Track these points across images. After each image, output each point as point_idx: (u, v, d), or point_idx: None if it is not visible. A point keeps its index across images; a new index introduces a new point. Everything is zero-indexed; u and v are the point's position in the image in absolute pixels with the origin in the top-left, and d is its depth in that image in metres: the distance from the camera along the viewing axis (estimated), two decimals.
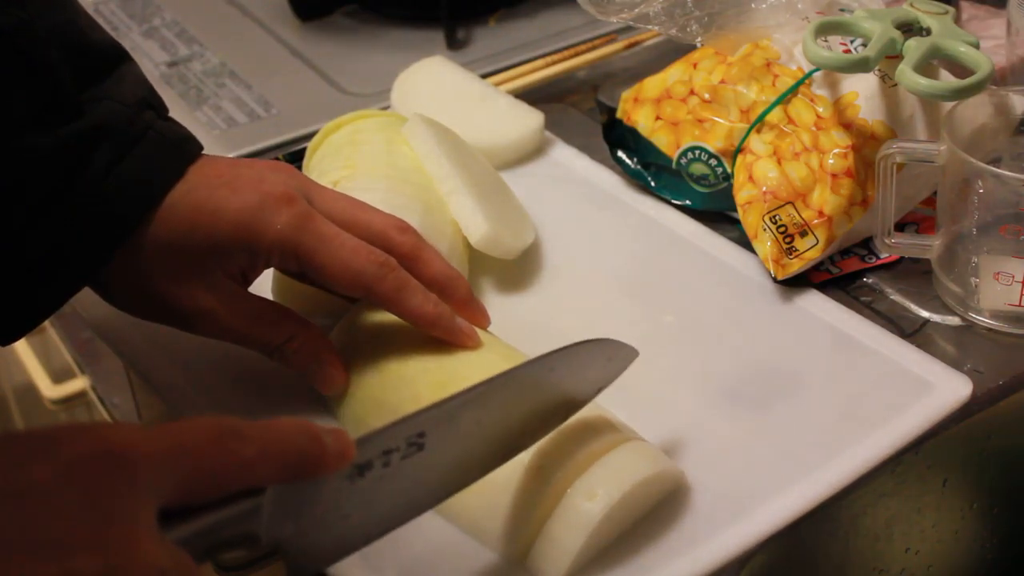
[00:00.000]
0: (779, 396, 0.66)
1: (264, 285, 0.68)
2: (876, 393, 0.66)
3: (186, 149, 0.63)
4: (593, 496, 0.56)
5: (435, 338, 0.64)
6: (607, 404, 0.63)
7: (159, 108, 0.64)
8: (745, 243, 0.76)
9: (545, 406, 0.58)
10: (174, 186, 0.61)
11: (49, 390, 0.94)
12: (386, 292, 0.62)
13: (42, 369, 0.96)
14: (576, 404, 0.59)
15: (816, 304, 0.72)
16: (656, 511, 0.60)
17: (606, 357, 0.61)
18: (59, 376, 0.95)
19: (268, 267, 0.64)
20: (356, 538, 0.52)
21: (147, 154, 0.61)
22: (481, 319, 0.66)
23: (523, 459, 0.57)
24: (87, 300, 0.74)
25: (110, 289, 0.64)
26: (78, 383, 0.93)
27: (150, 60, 1.03)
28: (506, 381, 0.56)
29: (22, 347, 0.98)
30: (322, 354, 0.64)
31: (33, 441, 0.41)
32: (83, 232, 0.59)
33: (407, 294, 0.63)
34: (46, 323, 0.95)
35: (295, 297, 0.68)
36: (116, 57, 0.63)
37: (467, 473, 0.56)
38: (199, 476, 0.43)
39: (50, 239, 0.59)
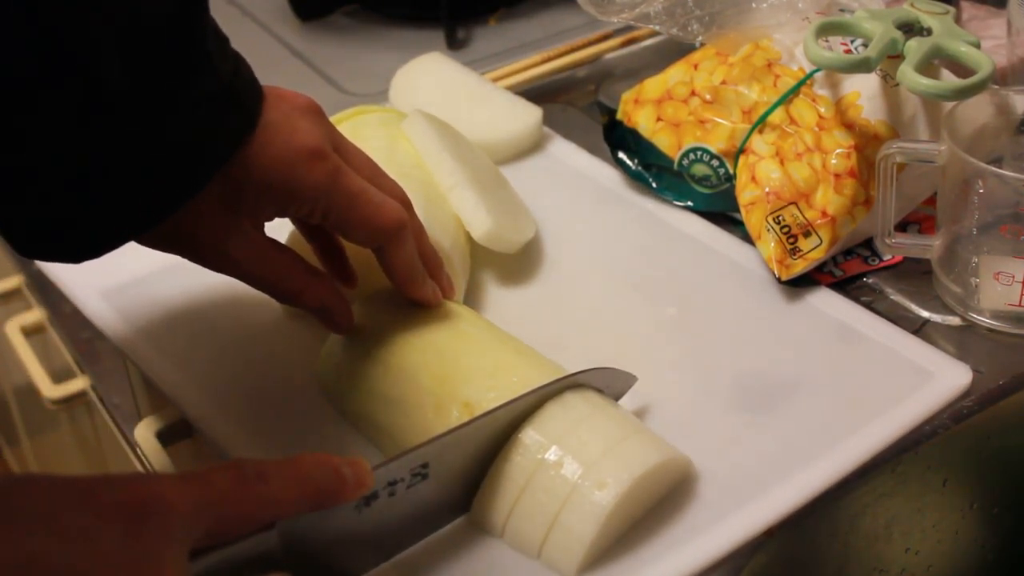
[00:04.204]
0: (782, 386, 0.67)
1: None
2: (878, 382, 0.67)
3: (229, 146, 0.59)
4: (604, 485, 0.56)
5: (435, 332, 0.65)
6: None
7: (226, 110, 0.58)
8: (746, 238, 0.76)
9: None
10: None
11: (49, 390, 0.94)
12: (396, 249, 0.63)
13: (42, 369, 0.96)
14: None
15: (818, 297, 0.73)
16: (664, 500, 0.60)
17: (605, 384, 0.63)
18: (59, 376, 0.95)
19: (293, 217, 0.63)
20: (365, 559, 0.55)
21: (184, 166, 0.57)
22: (448, 290, 0.68)
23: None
24: (88, 299, 0.75)
25: None
26: (78, 383, 0.92)
27: None
28: (507, 411, 0.59)
29: (22, 347, 0.98)
30: (330, 303, 0.64)
31: (80, 486, 0.44)
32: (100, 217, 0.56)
33: (409, 256, 0.64)
34: (46, 323, 0.95)
35: None
36: (181, 28, 0.57)
37: (469, 490, 0.59)
38: (227, 519, 0.47)
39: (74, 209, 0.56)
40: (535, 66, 0.98)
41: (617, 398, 0.64)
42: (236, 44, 1.06)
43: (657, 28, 0.79)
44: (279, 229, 0.66)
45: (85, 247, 0.58)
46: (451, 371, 0.62)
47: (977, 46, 0.72)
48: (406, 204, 0.65)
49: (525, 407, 0.59)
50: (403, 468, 0.55)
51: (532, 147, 0.88)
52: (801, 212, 0.73)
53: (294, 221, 0.67)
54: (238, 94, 0.58)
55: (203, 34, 0.57)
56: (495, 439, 0.59)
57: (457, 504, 0.59)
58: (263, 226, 0.63)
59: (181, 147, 0.56)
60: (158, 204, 0.57)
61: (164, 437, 0.69)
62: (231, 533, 0.48)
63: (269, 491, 0.48)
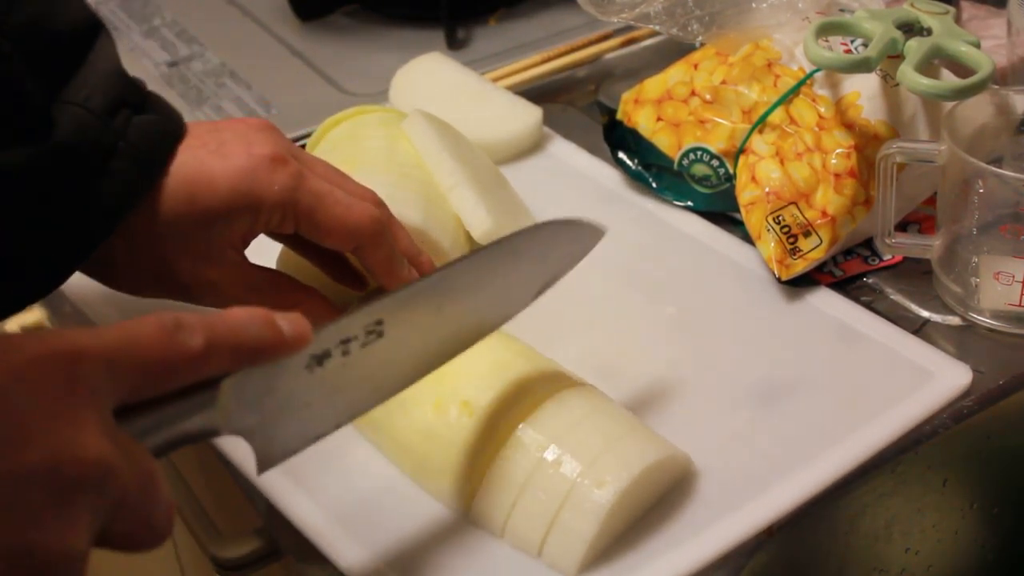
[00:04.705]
0: (782, 386, 0.67)
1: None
2: (877, 382, 0.67)
3: (162, 148, 0.61)
4: (603, 484, 0.56)
5: None
6: (612, 394, 0.64)
7: (133, 98, 0.61)
8: (746, 238, 0.76)
9: (508, 287, 0.58)
10: (151, 191, 0.60)
11: None
12: (375, 247, 0.63)
13: None
14: (541, 286, 0.60)
15: (818, 296, 0.73)
16: (664, 498, 0.60)
17: (571, 237, 0.61)
18: None
19: (267, 229, 0.64)
20: (322, 425, 0.52)
21: (121, 168, 0.59)
22: None
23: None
24: (89, 298, 0.74)
25: (110, 274, 0.63)
26: None
27: (150, 60, 1.03)
28: (468, 266, 0.56)
29: None
30: (326, 318, 0.64)
31: None
32: (56, 244, 0.59)
33: (391, 255, 0.64)
34: (46, 323, 0.94)
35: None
36: (88, 39, 0.61)
37: (428, 360, 0.56)
38: (149, 369, 0.44)
39: (21, 248, 0.58)
40: (535, 66, 0.98)
41: (585, 253, 0.62)
42: (236, 44, 1.06)
43: (657, 28, 0.79)
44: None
45: (44, 279, 0.59)
46: (450, 369, 0.62)
47: (977, 46, 0.72)
48: (378, 203, 0.65)
49: (484, 270, 0.57)
50: (356, 324, 0.51)
51: (532, 147, 0.88)
52: (801, 212, 0.73)
53: (279, 239, 0.67)
54: (156, 111, 0.61)
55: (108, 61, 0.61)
56: (452, 299, 0.56)
57: (416, 368, 0.56)
58: (241, 249, 0.63)
59: (117, 157, 0.58)
60: (100, 219, 0.59)
61: None
62: (156, 386, 0.45)
63: (194, 341, 0.45)
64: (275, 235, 0.67)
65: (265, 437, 0.50)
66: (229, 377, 0.47)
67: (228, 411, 0.47)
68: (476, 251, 0.57)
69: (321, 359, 0.50)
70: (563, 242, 0.61)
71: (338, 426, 0.53)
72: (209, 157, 0.61)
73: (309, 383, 0.50)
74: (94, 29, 0.62)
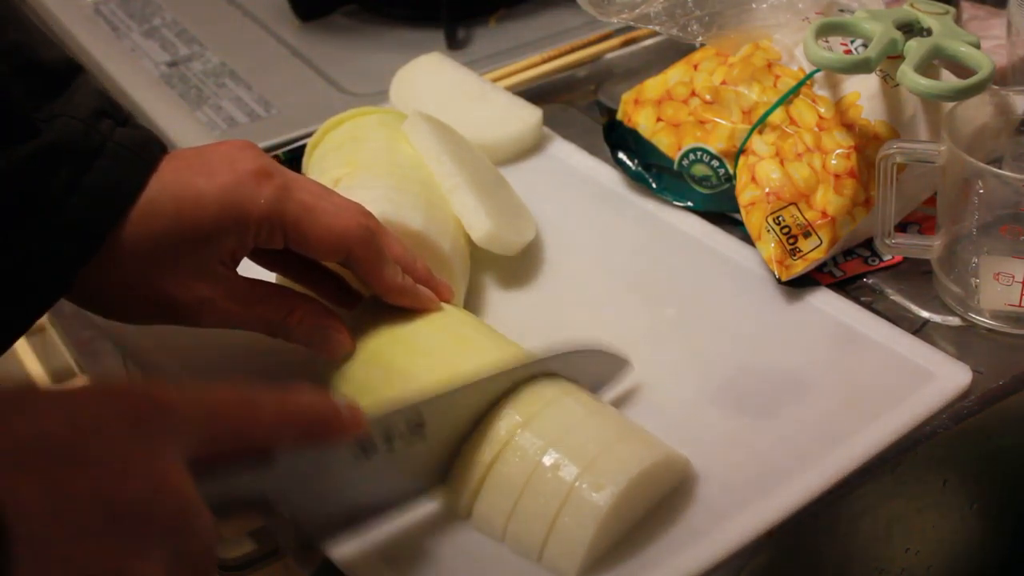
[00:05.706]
0: (782, 387, 0.67)
1: None
2: (878, 383, 0.67)
3: (146, 153, 0.63)
4: (601, 487, 0.56)
5: (435, 336, 0.65)
6: (610, 395, 0.64)
7: (116, 115, 0.63)
8: (746, 239, 0.76)
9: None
10: (139, 194, 0.61)
11: None
12: (366, 256, 0.64)
13: (42, 369, 0.96)
14: None
15: (818, 297, 0.73)
16: (663, 502, 0.60)
17: (601, 363, 0.64)
18: (59, 376, 0.95)
19: (256, 244, 0.64)
20: (363, 514, 0.56)
21: (107, 166, 0.60)
22: (444, 292, 0.68)
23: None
24: None
25: (102, 302, 0.64)
26: (78, 383, 0.92)
27: (150, 60, 1.03)
28: (502, 378, 0.59)
29: (22, 347, 0.98)
30: (324, 321, 0.65)
31: (90, 386, 0.47)
32: (50, 251, 0.59)
33: (383, 263, 0.64)
34: (46, 323, 0.95)
35: None
36: (69, 72, 0.63)
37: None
38: (222, 432, 0.48)
39: (16, 258, 0.59)
40: (535, 66, 0.98)
41: (609, 382, 0.65)
42: (236, 44, 1.07)
43: (657, 29, 0.79)
44: None
45: (42, 291, 0.60)
46: (452, 375, 0.62)
47: (977, 46, 0.72)
48: (365, 213, 0.66)
49: (523, 375, 0.60)
50: (400, 420, 0.56)
51: (532, 147, 0.88)
52: (801, 212, 0.73)
53: (268, 264, 0.68)
54: (139, 133, 0.63)
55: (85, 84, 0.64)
56: (492, 406, 0.59)
57: (450, 460, 0.60)
58: (232, 265, 0.64)
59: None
60: (93, 222, 0.60)
61: None
62: (225, 449, 0.49)
63: (265, 413, 0.49)
64: (267, 264, 0.68)
65: (310, 519, 0.54)
66: (284, 452, 0.50)
67: (281, 486, 0.51)
68: (511, 368, 0.60)
69: (368, 451, 0.55)
70: (594, 367, 0.64)
71: (377, 517, 0.57)
72: (194, 176, 0.62)
73: (355, 472, 0.54)
74: (74, 68, 0.64)
